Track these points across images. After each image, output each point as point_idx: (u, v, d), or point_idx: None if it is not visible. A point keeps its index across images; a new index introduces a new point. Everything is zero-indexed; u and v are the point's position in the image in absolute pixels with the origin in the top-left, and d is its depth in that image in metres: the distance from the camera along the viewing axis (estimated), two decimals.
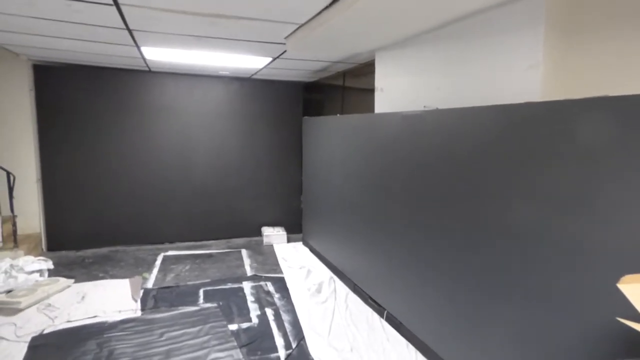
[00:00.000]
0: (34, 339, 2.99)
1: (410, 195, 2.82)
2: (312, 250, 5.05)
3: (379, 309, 3.36)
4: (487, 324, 2.17)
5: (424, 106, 2.89)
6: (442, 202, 2.49)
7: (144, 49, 3.78)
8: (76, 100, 4.96)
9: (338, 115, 4.24)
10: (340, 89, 4.97)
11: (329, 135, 4.34)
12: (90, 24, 2.94)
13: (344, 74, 4.76)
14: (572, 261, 1.69)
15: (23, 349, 2.87)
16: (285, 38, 3.23)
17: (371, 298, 3.49)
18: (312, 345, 2.96)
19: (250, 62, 4.32)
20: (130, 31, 3.11)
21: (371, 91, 3.76)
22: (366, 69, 4.11)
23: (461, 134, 2.33)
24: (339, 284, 4.03)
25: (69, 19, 2.80)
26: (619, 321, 1.18)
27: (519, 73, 2.15)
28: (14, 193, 4.66)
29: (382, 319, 3.29)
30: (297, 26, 2.89)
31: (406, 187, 2.87)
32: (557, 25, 2.00)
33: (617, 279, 1.22)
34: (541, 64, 2.02)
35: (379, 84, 3.64)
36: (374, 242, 3.38)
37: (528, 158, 1.88)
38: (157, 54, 4.00)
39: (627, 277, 1.23)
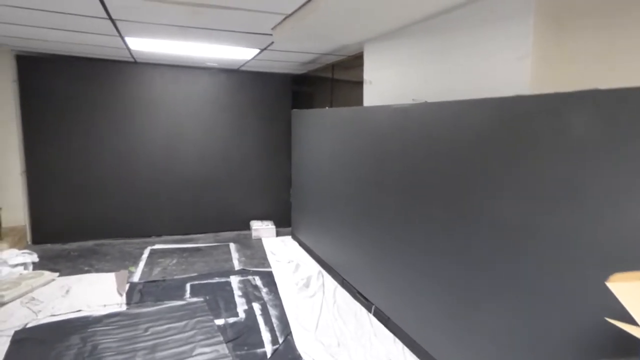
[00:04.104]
0: (16, 333, 2.95)
1: (400, 189, 2.80)
2: (301, 244, 5.03)
3: (367, 303, 3.36)
4: (475, 320, 2.18)
5: (412, 99, 2.86)
6: (431, 196, 2.48)
7: (128, 39, 3.69)
8: (61, 91, 4.85)
9: (327, 108, 4.20)
10: (329, 82, 4.92)
11: (318, 128, 4.30)
12: (71, 13, 2.86)
13: (333, 66, 4.70)
14: (563, 258, 1.68)
15: (6, 343, 2.83)
16: (272, 29, 3.17)
17: (359, 293, 3.48)
18: (299, 340, 2.95)
19: (238, 54, 4.25)
20: (113, 21, 3.03)
21: (360, 84, 3.72)
22: (355, 61, 4.06)
23: (448, 128, 2.31)
24: (328, 278, 4.02)
25: (48, 7, 2.72)
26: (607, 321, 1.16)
27: (508, 64, 2.13)
28: None
29: (370, 314, 3.29)
30: (283, 16, 2.84)
31: (396, 181, 2.85)
32: (547, 14, 1.97)
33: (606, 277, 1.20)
34: (530, 54, 2.00)
35: (367, 77, 3.60)
36: (363, 236, 3.36)
37: (517, 151, 1.87)
38: (142, 45, 3.92)
39: (617, 276, 1.20)
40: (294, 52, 4.16)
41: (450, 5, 2.37)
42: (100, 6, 2.62)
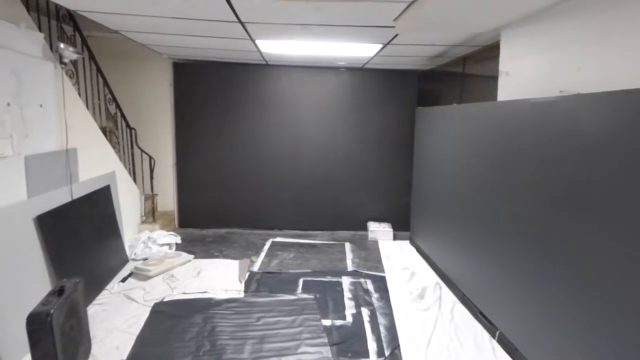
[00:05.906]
0: (155, 305, 3.36)
1: (538, 197, 2.34)
2: (419, 251, 4.70)
3: (490, 327, 2.92)
4: None
5: (560, 91, 2.36)
6: (581, 208, 1.99)
7: (258, 42, 3.91)
8: (205, 93, 5.46)
9: (454, 104, 3.81)
10: (459, 77, 4.48)
11: (443, 127, 3.94)
12: (207, 19, 3.12)
13: (464, 60, 4.26)
14: None
15: (146, 312, 3.24)
16: (395, 20, 2.97)
17: (482, 313, 3.06)
18: (407, 356, 2.70)
19: (361, 50, 4.15)
20: (242, 24, 3.22)
21: (495, 78, 3.26)
22: (489, 52, 3.59)
23: (610, 125, 1.81)
24: (446, 291, 3.65)
25: (188, 15, 3.01)
26: None
27: None
28: (154, 175, 5.37)
29: (492, 340, 2.86)
30: (406, 4, 2.62)
31: (533, 188, 2.40)
32: None
33: None
34: None
35: (503, 68, 3.12)
36: (491, 248, 2.94)
37: None
38: (270, 46, 4.12)
39: None
40: (420, 45, 3.87)
41: None
42: (229, 9, 2.79)
